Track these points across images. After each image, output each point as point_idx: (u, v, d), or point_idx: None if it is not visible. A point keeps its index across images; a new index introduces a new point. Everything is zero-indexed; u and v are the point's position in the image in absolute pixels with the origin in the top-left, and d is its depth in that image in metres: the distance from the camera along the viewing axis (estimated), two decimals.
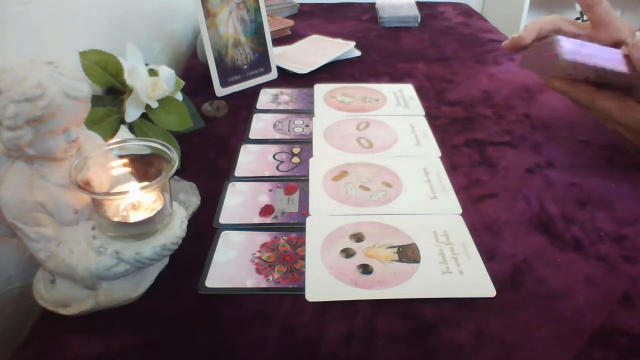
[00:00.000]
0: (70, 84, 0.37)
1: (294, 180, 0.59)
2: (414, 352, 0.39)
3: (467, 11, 1.30)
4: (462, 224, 0.52)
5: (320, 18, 1.22)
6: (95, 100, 0.59)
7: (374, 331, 0.41)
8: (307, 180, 0.59)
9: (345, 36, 1.03)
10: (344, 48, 0.96)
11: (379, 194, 0.57)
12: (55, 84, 0.35)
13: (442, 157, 0.64)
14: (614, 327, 0.41)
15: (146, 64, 0.63)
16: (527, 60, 0.61)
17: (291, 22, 1.10)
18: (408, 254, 0.48)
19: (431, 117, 0.74)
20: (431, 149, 0.66)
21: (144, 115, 0.61)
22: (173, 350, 0.40)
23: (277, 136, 0.69)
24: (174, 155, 0.41)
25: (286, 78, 0.87)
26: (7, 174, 0.38)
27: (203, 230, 0.51)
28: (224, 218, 0.53)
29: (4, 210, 0.38)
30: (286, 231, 0.52)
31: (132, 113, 0.59)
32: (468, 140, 0.68)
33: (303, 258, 0.48)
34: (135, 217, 0.41)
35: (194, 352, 0.40)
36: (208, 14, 0.76)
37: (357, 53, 0.98)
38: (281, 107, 0.77)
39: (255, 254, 0.49)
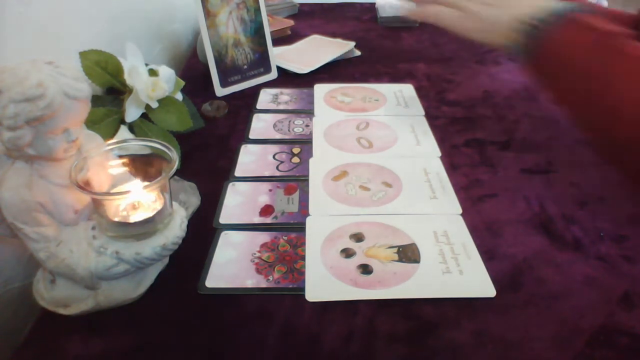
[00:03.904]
0: (70, 84, 0.37)
1: (294, 180, 0.59)
2: (414, 352, 0.39)
3: None
4: (462, 224, 0.52)
5: (320, 18, 1.22)
6: (95, 100, 0.59)
7: (374, 331, 0.41)
8: (307, 180, 0.59)
9: (345, 36, 1.03)
10: (344, 48, 0.96)
11: (379, 194, 0.57)
12: (55, 84, 0.35)
13: (442, 157, 0.64)
14: (614, 327, 0.41)
15: (146, 64, 0.62)
16: None
17: (291, 22, 1.10)
18: (408, 254, 0.48)
19: (431, 117, 0.74)
20: (431, 149, 0.66)
21: (144, 115, 0.61)
22: (173, 350, 0.40)
23: (277, 136, 0.69)
24: (174, 155, 0.41)
25: (286, 78, 0.87)
26: (7, 174, 0.38)
27: (203, 230, 0.51)
28: (224, 218, 0.53)
29: (4, 210, 0.38)
30: (286, 231, 0.52)
31: (132, 113, 0.59)
32: (468, 140, 0.68)
33: (303, 258, 0.48)
34: (135, 217, 0.41)
35: (194, 352, 0.40)
36: (208, 14, 0.76)
37: (357, 53, 0.98)
38: (281, 107, 0.77)
39: (255, 254, 0.49)
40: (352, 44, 0.97)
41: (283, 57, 0.92)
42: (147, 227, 0.41)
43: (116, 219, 0.41)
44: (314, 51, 0.96)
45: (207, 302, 0.44)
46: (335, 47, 0.96)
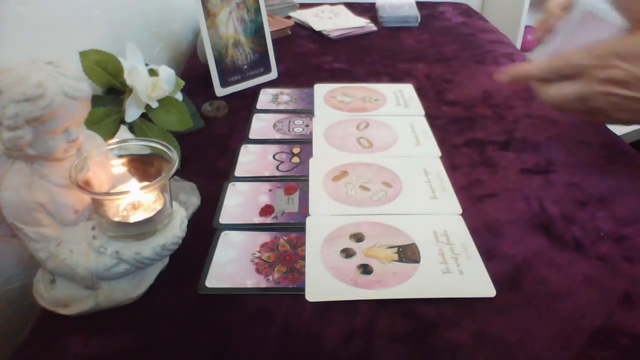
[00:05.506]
0: (70, 84, 0.37)
1: (294, 180, 0.59)
2: (414, 352, 0.39)
3: (467, 11, 1.30)
4: (462, 224, 0.52)
5: None
6: (95, 100, 0.59)
7: (374, 331, 0.41)
8: (307, 180, 0.59)
9: (346, 36, 1.03)
10: (362, 22, 1.12)
11: (379, 194, 0.57)
12: (55, 84, 0.35)
13: (442, 157, 0.64)
14: (614, 327, 0.41)
15: (146, 64, 0.63)
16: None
17: (291, 22, 1.10)
18: (408, 254, 0.48)
19: (431, 117, 0.74)
20: (431, 149, 0.66)
21: (144, 115, 0.61)
22: (173, 350, 0.40)
23: (277, 136, 0.69)
24: (174, 155, 0.41)
25: (286, 78, 0.87)
26: (7, 174, 0.38)
27: (203, 230, 0.51)
28: (224, 218, 0.53)
29: (4, 210, 0.38)
30: (286, 231, 0.51)
31: (132, 113, 0.59)
32: (468, 140, 0.68)
33: (303, 258, 0.48)
34: (135, 217, 0.41)
35: (194, 352, 0.40)
36: (208, 14, 0.76)
37: (374, 28, 1.10)
38: (281, 107, 0.77)
39: (255, 254, 0.49)
40: (367, 21, 1.12)
41: (308, 19, 1.08)
42: (147, 227, 0.41)
43: (116, 219, 0.41)
44: (336, 18, 1.11)
45: (207, 302, 0.44)
46: (353, 16, 1.13)
